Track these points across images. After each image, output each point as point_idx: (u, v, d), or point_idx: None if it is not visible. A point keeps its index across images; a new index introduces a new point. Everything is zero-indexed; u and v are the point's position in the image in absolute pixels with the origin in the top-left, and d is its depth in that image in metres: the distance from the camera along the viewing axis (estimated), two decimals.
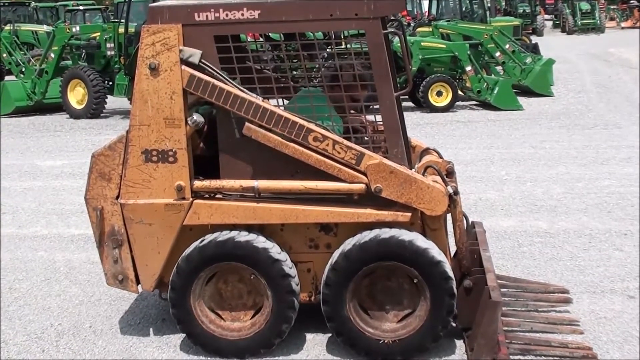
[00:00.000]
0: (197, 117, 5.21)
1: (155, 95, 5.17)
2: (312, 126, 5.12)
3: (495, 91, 17.96)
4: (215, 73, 5.15)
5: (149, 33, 5.14)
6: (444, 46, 18.84)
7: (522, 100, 18.29)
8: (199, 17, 5.13)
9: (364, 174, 5.12)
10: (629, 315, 5.92)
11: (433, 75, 18.18)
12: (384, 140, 5.27)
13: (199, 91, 5.14)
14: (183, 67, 5.13)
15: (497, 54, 19.87)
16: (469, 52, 18.35)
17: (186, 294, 5.25)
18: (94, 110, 18.62)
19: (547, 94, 19.68)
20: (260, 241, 5.18)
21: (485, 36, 19.86)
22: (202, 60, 5.14)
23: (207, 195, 5.34)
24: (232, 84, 5.16)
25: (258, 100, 5.13)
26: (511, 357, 5.04)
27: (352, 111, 5.52)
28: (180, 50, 5.11)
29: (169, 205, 5.25)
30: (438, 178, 5.37)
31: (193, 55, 5.12)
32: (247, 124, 5.13)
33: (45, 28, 29.81)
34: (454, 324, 5.32)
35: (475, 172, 11.22)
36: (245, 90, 5.17)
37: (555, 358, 5.15)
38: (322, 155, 5.13)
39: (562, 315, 5.87)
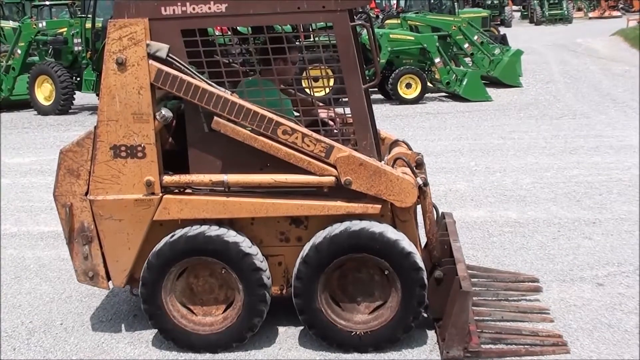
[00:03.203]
0: (165, 112, 5.18)
1: (122, 91, 5.13)
2: (281, 119, 5.11)
3: (464, 83, 18.06)
4: (183, 67, 5.12)
5: (115, 28, 5.10)
6: (412, 38, 18.90)
7: (490, 91, 18.42)
8: (165, 11, 5.09)
9: (334, 166, 5.11)
10: (598, 302, 5.98)
11: (402, 68, 18.23)
12: (353, 132, 5.28)
13: (166, 86, 5.11)
14: (150, 61, 5.09)
15: (466, 45, 20.00)
16: (437, 43, 18.44)
17: (157, 290, 5.23)
18: (62, 106, 18.48)
19: (515, 84, 19.83)
20: (231, 235, 5.17)
21: (453, 28, 19.97)
22: (170, 55, 5.10)
23: (176, 190, 5.31)
24: (200, 78, 5.14)
25: (226, 94, 5.11)
26: (482, 346, 5.09)
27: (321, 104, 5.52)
28: (147, 45, 5.07)
29: (139, 200, 5.23)
30: (407, 170, 5.39)
31: (160, 50, 5.09)
32: (215, 118, 5.11)
33: (11, 24, 29.40)
34: (425, 315, 5.34)
35: (445, 163, 11.28)
36: (213, 84, 5.15)
37: (525, 346, 5.19)
38: (291, 149, 5.12)
39: (532, 304, 5.92)
